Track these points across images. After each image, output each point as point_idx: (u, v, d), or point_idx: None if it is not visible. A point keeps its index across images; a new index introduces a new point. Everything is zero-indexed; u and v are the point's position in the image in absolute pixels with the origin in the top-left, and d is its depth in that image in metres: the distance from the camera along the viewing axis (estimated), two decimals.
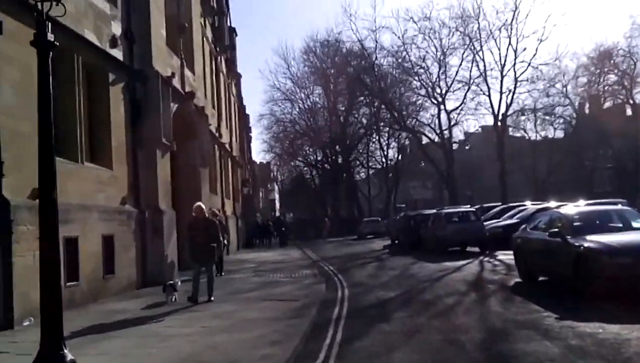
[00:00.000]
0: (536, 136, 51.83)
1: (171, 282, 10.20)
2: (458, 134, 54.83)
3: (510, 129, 54.29)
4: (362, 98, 44.56)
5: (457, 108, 37.87)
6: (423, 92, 38.40)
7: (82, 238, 9.93)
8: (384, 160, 53.00)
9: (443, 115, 38.13)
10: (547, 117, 45.07)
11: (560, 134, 55.62)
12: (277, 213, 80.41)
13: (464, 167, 49.91)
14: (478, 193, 53.35)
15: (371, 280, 13.71)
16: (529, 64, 33.21)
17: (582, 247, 9.10)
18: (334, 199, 53.75)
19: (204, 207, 9.90)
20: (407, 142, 51.30)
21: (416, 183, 47.28)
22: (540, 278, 11.32)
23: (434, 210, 23.40)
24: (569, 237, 9.68)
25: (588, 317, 7.45)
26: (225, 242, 14.73)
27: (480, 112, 39.23)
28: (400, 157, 52.74)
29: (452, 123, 38.45)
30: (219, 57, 24.82)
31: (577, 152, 52.35)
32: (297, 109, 50.72)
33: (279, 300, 10.58)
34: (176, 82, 15.32)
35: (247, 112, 55.65)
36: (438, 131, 38.53)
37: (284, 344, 6.98)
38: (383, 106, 42.51)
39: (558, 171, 56.93)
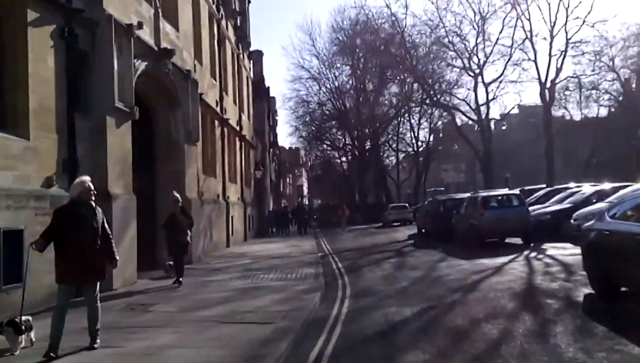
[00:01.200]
0: (581, 114, 46.69)
1: (16, 317, 5.78)
2: (494, 115, 50.40)
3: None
4: (391, 75, 40.13)
5: (496, 79, 32.97)
6: (459, 63, 33.75)
7: None
8: (414, 141, 48.89)
9: (480, 89, 33.49)
10: (594, 91, 39.81)
11: (603, 112, 50.56)
12: (306, 200, 77.53)
13: (499, 149, 45.37)
14: (515, 177, 48.92)
15: (384, 286, 10.17)
16: (584, 21, 27.90)
17: None
18: (362, 184, 50.08)
19: (90, 185, 5.80)
20: (439, 123, 47.01)
21: (448, 166, 42.95)
22: (623, 289, 7.61)
23: (468, 194, 19.49)
24: None
25: None
26: (189, 239, 10.94)
27: (522, 83, 34.11)
28: (432, 138, 48.45)
29: (490, 97, 33.63)
30: (225, 22, 21.24)
31: (623, 131, 47.28)
32: (324, 89, 46.99)
33: (245, 323, 7.19)
34: (145, 35, 11.98)
35: (272, 94, 52.46)
36: (474, 106, 33.87)
37: None
38: (414, 83, 38.30)
39: (600, 152, 52.03)
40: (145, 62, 11.83)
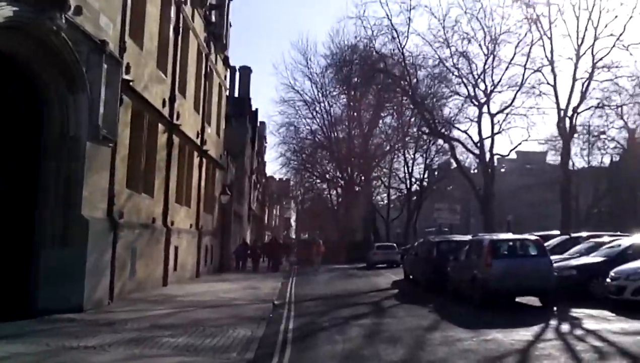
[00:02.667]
0: (586, 162, 43.14)
1: None
2: (498, 151, 46.96)
3: (550, 153, 45.56)
4: (387, 99, 36.13)
5: (505, 108, 28.79)
6: (462, 90, 29.78)
7: None
8: (407, 177, 44.97)
9: (485, 121, 29.22)
10: (603, 136, 36.33)
11: (606, 161, 47.41)
12: (292, 234, 73.24)
13: (497, 191, 41.57)
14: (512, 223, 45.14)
15: None
16: (618, 39, 23.70)
17: None
18: (350, 221, 45.87)
19: None
20: (436, 159, 43.16)
21: (442, 205, 38.83)
22: None
23: (470, 236, 15.35)
24: None
25: None
26: None
27: (531, 117, 29.16)
28: (426, 174, 44.49)
29: (495, 130, 29.52)
30: (190, 9, 17.06)
31: (627, 181, 44.04)
32: (316, 115, 43.30)
33: None
34: None
35: (262, 119, 48.85)
36: (477, 140, 29.68)
37: None
38: (412, 114, 34.49)
39: (603, 201, 48.73)
40: (14, 7, 7.95)
